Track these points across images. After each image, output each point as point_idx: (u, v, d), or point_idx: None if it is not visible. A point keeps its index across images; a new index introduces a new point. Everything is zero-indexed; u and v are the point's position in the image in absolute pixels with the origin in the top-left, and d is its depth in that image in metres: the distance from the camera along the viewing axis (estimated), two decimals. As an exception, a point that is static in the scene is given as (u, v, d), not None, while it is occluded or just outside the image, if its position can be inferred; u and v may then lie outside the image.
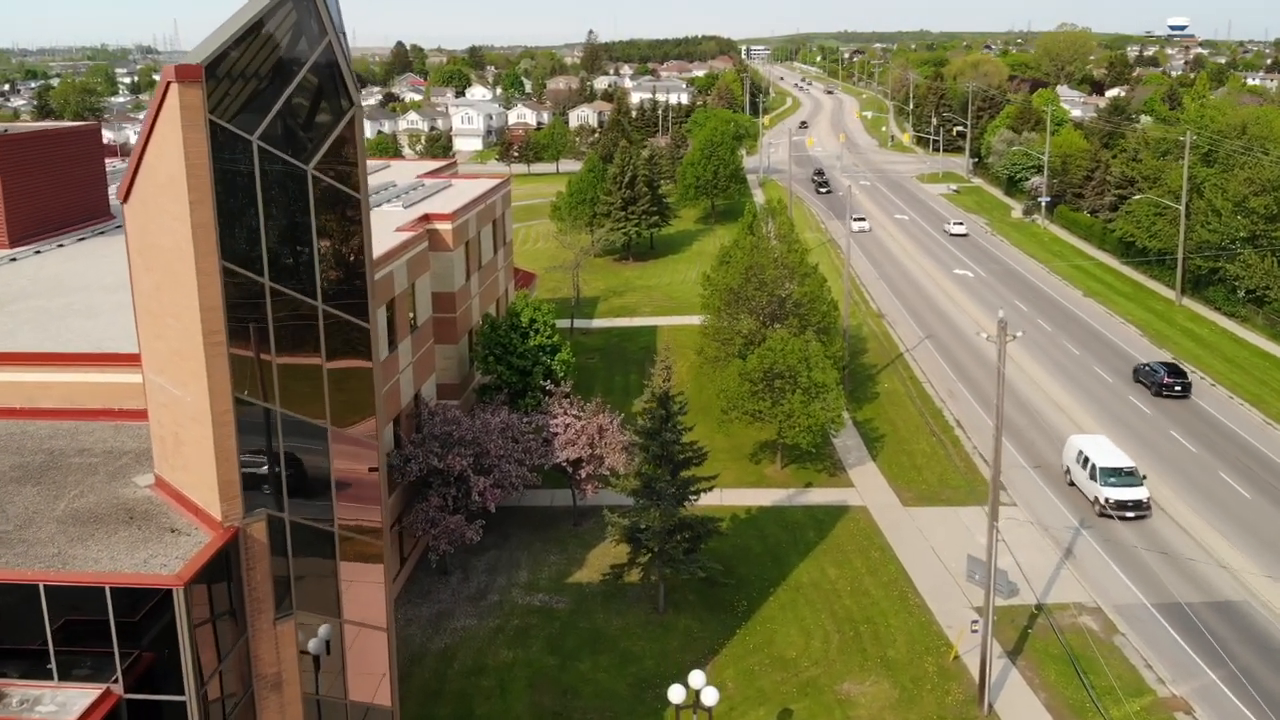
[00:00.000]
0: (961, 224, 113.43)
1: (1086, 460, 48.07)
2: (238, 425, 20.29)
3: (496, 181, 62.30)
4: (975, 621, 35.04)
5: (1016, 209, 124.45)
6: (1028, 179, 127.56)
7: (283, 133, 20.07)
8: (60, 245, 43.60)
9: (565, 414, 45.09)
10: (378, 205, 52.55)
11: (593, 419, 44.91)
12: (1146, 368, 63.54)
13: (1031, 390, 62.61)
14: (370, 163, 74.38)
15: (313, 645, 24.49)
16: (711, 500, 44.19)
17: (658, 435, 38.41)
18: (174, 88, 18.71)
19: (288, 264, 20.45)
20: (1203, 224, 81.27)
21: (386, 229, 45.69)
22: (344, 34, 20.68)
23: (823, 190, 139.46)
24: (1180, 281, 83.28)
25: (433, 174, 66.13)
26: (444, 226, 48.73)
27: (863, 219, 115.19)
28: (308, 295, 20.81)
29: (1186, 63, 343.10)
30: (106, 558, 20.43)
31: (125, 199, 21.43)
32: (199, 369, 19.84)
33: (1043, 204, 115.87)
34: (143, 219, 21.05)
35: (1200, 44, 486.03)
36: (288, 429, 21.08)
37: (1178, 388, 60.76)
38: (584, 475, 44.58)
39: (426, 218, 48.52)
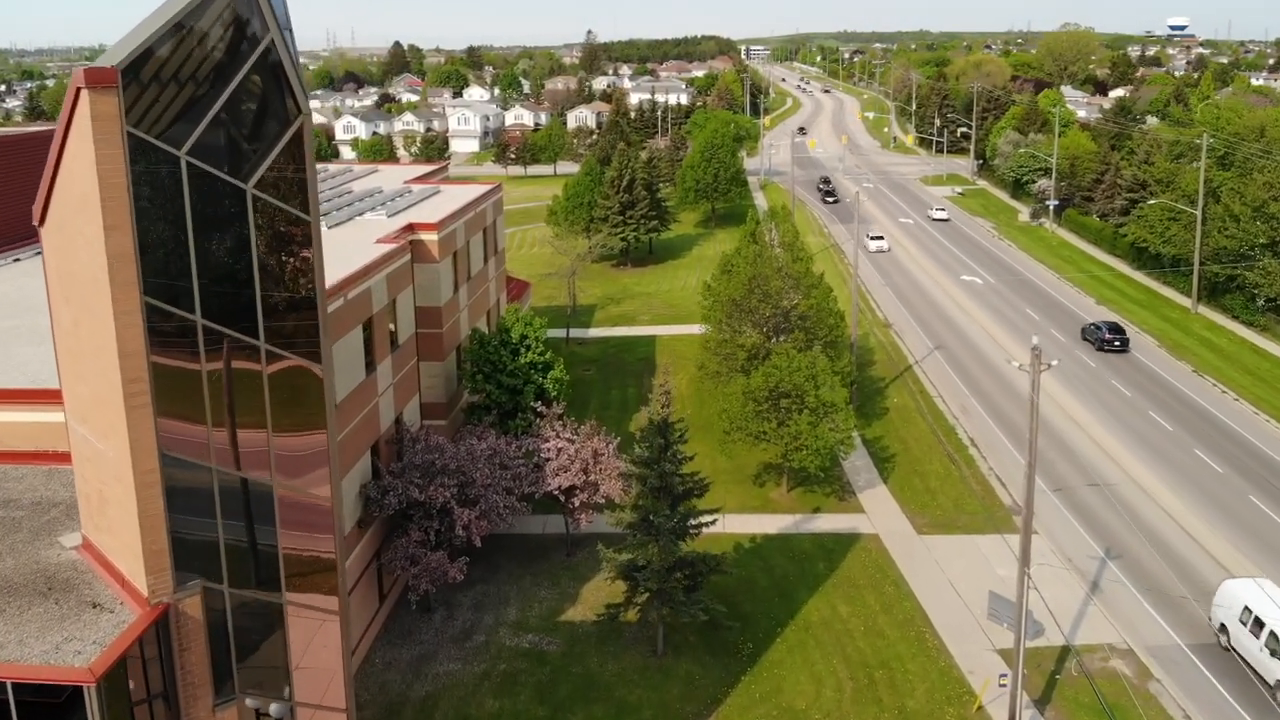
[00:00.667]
0: (943, 210, 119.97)
1: (1260, 624, 34.56)
2: (167, 486, 17.44)
3: (488, 187, 59.50)
4: (1003, 675, 32.20)
5: (1023, 212, 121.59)
6: (1034, 181, 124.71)
7: (218, 146, 17.22)
8: (16, 260, 40.76)
9: (558, 437, 42.27)
10: (360, 213, 49.85)
11: (587, 443, 42.09)
12: (1092, 326, 71.96)
13: (1047, 405, 59.72)
14: (357, 167, 71.60)
15: (275, 710, 21.76)
16: (714, 527, 41.18)
17: (656, 465, 35.60)
18: (84, 95, 15.89)
19: (225, 299, 17.57)
20: (1219, 230, 78.48)
21: (367, 240, 43.02)
22: (290, 30, 17.85)
23: (830, 200, 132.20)
24: (1196, 289, 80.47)
25: (421, 179, 63.30)
26: (429, 236, 45.92)
27: (880, 238, 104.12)
28: (248, 334, 17.95)
29: (1188, 63, 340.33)
30: (14, 641, 17.58)
31: (41, 221, 18.60)
32: (119, 421, 17.01)
33: (1051, 208, 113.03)
34: (59, 243, 18.23)
35: (1201, 44, 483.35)
36: (227, 489, 18.22)
37: (1117, 343, 69.51)
38: (577, 504, 41.78)
39: (411, 227, 45.73)
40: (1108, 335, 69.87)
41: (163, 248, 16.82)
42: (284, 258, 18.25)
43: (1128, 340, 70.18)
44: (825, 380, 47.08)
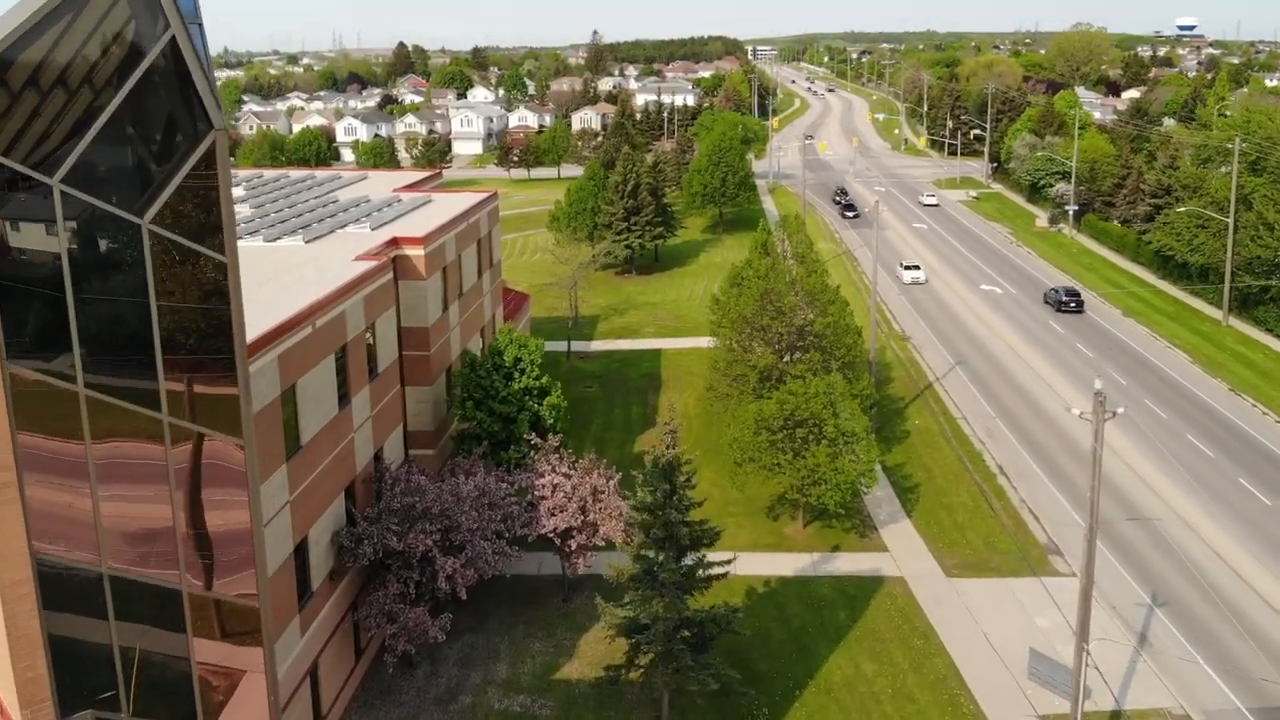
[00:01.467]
0: (933, 196, 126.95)
1: None
2: (47, 597, 13.86)
3: (482, 196, 55.94)
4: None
5: (1041, 217, 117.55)
6: (1052, 185, 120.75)
7: (103, 171, 13.65)
8: None
9: (554, 472, 38.67)
10: (343, 225, 46.35)
11: (585, 478, 38.48)
12: (1051, 290, 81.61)
13: (1080, 429, 55.87)
14: (346, 173, 68.03)
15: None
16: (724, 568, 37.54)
17: (661, 512, 31.93)
18: (-78, 106, 12.32)
19: (115, 362, 14.00)
20: (1252, 238, 74.60)
21: (347, 255, 39.55)
22: (200, 25, 14.25)
23: (849, 214, 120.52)
24: (1227, 300, 76.58)
25: (412, 187, 59.68)
26: (415, 252, 42.41)
27: (916, 267, 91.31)
28: (146, 405, 14.36)
29: (1199, 63, 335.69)
30: None
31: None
32: (-19, 519, 13.44)
33: (1070, 213, 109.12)
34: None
35: (1210, 44, 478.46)
36: (124, 597, 14.65)
37: (1073, 304, 78.78)
38: (575, 546, 38.19)
39: (395, 242, 42.21)
40: (1064, 298, 79.42)
41: (32, 301, 13.26)
42: (193, 309, 14.68)
43: (1082, 302, 79.64)
44: (845, 407, 43.43)
